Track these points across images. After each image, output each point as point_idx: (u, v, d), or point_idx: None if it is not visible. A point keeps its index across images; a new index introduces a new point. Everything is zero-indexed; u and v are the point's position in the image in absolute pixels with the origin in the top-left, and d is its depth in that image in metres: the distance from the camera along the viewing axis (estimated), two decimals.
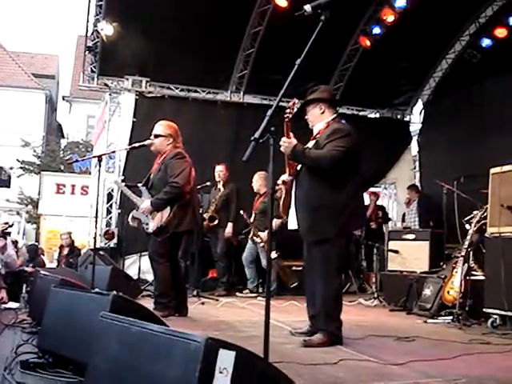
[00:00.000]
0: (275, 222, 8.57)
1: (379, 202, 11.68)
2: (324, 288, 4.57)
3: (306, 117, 4.90)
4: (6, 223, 7.50)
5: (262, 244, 8.61)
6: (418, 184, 12.05)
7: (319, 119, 4.83)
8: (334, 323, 4.56)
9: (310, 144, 4.75)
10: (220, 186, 9.03)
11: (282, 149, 4.42)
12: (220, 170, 9.05)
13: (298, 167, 4.75)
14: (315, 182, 4.60)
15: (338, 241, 4.62)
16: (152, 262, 6.07)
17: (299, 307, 7.06)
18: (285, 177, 4.82)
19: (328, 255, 4.56)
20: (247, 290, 8.84)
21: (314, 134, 4.85)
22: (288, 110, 4.47)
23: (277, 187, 4.88)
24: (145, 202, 5.96)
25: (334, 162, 4.49)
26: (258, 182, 8.85)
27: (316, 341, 4.47)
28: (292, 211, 4.85)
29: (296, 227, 4.79)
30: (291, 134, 4.52)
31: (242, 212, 8.83)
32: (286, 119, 4.48)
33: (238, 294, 8.73)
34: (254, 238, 8.75)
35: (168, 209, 5.83)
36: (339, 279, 4.91)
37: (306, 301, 4.97)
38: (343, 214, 4.54)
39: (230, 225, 8.98)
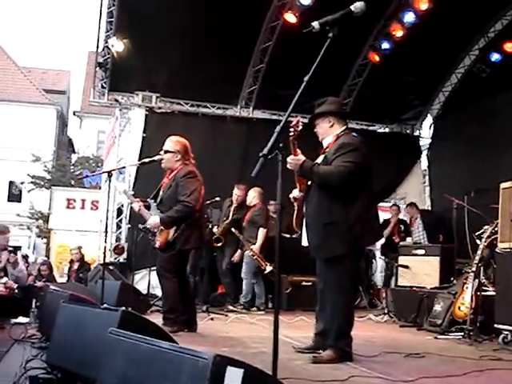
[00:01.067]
0: (262, 231, 8.56)
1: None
2: (335, 305, 4.54)
3: (315, 130, 4.82)
4: None
5: (254, 257, 8.55)
6: (427, 199, 12.02)
7: (328, 132, 4.76)
8: (344, 340, 4.52)
9: (320, 159, 4.70)
10: (235, 205, 9.00)
11: (288, 166, 4.38)
12: (237, 194, 9.03)
13: (309, 183, 4.70)
14: (324, 198, 4.54)
15: (349, 257, 4.57)
16: (160, 277, 6.06)
17: (309, 323, 7.02)
18: (296, 193, 4.80)
19: (339, 272, 4.52)
20: (241, 306, 8.70)
21: (324, 147, 4.79)
22: (292, 128, 4.37)
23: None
24: (153, 218, 5.90)
25: (342, 178, 4.43)
26: (252, 194, 8.84)
27: (325, 357, 4.44)
28: (304, 228, 4.82)
29: (307, 244, 4.77)
30: (298, 151, 4.48)
31: (233, 229, 8.77)
32: (291, 137, 4.39)
33: (229, 306, 8.58)
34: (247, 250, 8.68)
35: (176, 229, 5.83)
36: (351, 296, 4.89)
37: (315, 317, 4.95)
38: (353, 230, 4.48)
39: (239, 252, 8.96)
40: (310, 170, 4.47)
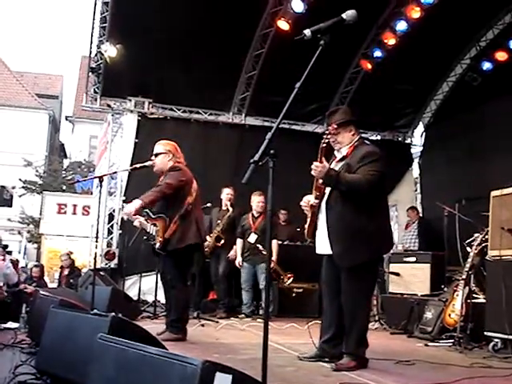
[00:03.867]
0: (275, 243, 8.56)
1: None
2: (358, 311, 4.56)
3: (333, 139, 4.69)
4: None
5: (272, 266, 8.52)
6: (419, 206, 12.05)
7: (349, 140, 4.77)
8: (363, 347, 4.57)
9: (337, 166, 4.70)
10: (228, 207, 8.98)
11: (313, 173, 4.42)
12: (229, 193, 9.01)
13: (327, 190, 4.68)
14: (349, 206, 4.55)
15: (373, 265, 4.67)
16: (171, 288, 5.93)
17: (299, 330, 7.02)
18: (311, 200, 4.76)
19: (363, 279, 4.56)
20: (243, 315, 8.71)
21: (339, 156, 4.80)
22: (326, 136, 4.41)
23: (304, 209, 4.84)
24: (131, 203, 5.68)
25: (371, 187, 4.47)
26: (261, 203, 8.81)
27: (345, 365, 4.44)
28: (320, 235, 4.78)
29: (325, 252, 4.72)
30: (324, 158, 4.47)
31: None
32: (324, 144, 4.42)
33: (232, 318, 8.39)
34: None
35: (169, 223, 5.81)
36: (370, 304, 5.04)
37: (321, 324, 4.94)
38: (376, 238, 4.54)
39: (235, 247, 8.98)
40: (336, 178, 4.46)
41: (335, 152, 4.87)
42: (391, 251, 9.08)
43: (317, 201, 4.74)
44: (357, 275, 4.52)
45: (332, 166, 4.70)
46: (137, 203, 5.54)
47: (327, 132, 4.42)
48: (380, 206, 4.68)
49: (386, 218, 4.79)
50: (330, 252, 4.63)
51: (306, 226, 4.89)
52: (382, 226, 4.67)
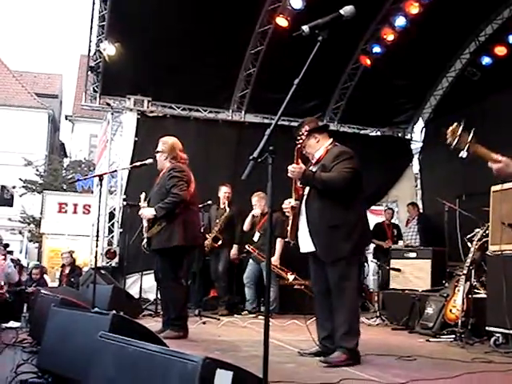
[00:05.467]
0: (280, 242, 8.57)
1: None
2: (344, 306, 4.63)
3: (305, 152, 4.98)
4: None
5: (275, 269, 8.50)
6: (419, 202, 12.04)
7: (317, 147, 4.98)
8: (354, 340, 4.59)
9: (314, 169, 4.85)
10: (226, 206, 8.99)
11: (290, 174, 4.62)
12: (227, 191, 9.03)
13: (305, 191, 4.84)
14: (326, 203, 4.71)
15: (354, 259, 4.78)
16: (166, 288, 5.97)
17: (300, 326, 7.02)
18: (292, 202, 4.89)
19: (345, 274, 4.66)
20: (246, 312, 8.75)
21: (314, 160, 4.98)
22: (299, 138, 4.68)
23: (286, 212, 4.97)
24: (149, 209, 5.90)
25: (346, 183, 4.65)
26: (261, 202, 8.82)
27: (336, 359, 4.48)
28: (302, 234, 4.88)
29: (309, 250, 4.82)
30: (299, 160, 4.66)
31: (248, 247, 8.73)
32: (298, 145, 4.69)
33: (236, 315, 8.49)
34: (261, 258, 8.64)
35: (153, 224, 5.84)
36: (357, 297, 5.09)
37: (317, 322, 4.97)
38: (355, 232, 4.70)
39: (235, 246, 9.00)
40: (313, 178, 4.67)
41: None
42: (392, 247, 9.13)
43: (297, 202, 4.89)
44: (341, 269, 4.65)
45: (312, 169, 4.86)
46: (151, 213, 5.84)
47: (298, 137, 4.69)
48: (357, 202, 4.83)
49: (363, 213, 5.01)
50: (313, 249, 4.76)
51: (289, 228, 4.99)
52: (361, 221, 4.83)
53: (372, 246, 10.67)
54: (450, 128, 3.37)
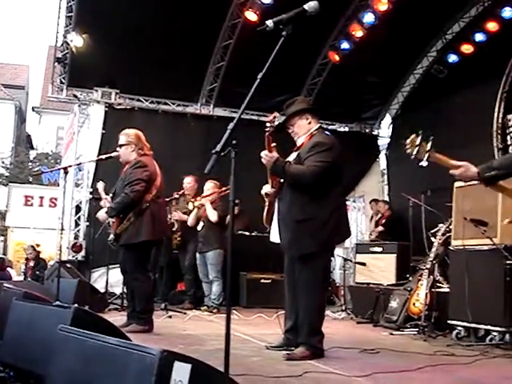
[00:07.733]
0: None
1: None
2: (308, 302, 4.58)
3: (291, 130, 4.82)
4: None
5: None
6: (386, 197, 12.16)
7: (305, 129, 4.80)
8: (317, 336, 4.58)
9: (292, 157, 4.73)
10: (189, 198, 8.93)
11: (263, 161, 4.48)
12: (188, 183, 8.95)
13: (282, 180, 4.72)
14: (296, 196, 4.58)
15: (322, 255, 4.65)
16: (133, 280, 5.92)
17: (267, 320, 7.07)
18: (267, 188, 4.82)
19: (312, 269, 4.56)
20: (205, 307, 8.42)
21: (298, 145, 4.82)
22: (268, 124, 4.48)
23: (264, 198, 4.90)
24: (101, 211, 6.01)
25: (314, 178, 4.49)
26: (211, 190, 8.55)
27: (299, 354, 4.47)
28: (274, 224, 4.85)
29: (276, 240, 4.78)
30: (273, 148, 4.53)
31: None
32: (267, 133, 4.50)
33: (198, 310, 8.33)
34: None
35: (122, 219, 5.79)
36: (323, 293, 4.99)
37: (284, 314, 4.96)
38: (326, 228, 4.53)
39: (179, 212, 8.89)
40: (282, 169, 4.51)
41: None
42: (357, 241, 9.17)
43: (273, 189, 4.79)
44: (307, 265, 4.57)
45: (290, 157, 4.74)
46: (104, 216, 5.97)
47: (268, 120, 4.49)
48: (330, 197, 4.62)
49: (338, 209, 4.71)
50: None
51: (264, 213, 4.96)
52: (333, 217, 4.59)
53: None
54: (409, 138, 3.42)
